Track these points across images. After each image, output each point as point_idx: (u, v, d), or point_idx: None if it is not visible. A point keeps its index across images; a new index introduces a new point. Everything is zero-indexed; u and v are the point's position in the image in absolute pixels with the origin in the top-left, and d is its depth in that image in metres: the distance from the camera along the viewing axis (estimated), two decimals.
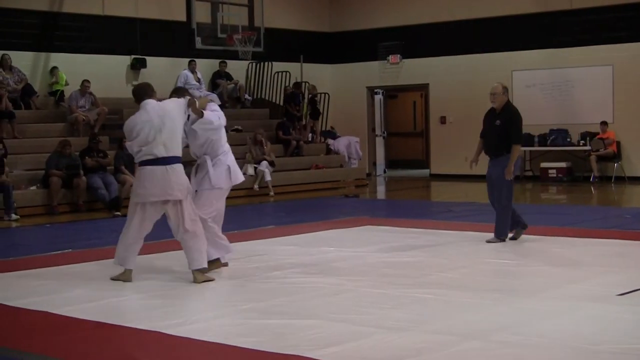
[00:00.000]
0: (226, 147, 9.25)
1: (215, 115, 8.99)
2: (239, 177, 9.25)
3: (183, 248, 8.75)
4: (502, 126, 10.77)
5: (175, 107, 8.71)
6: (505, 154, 10.76)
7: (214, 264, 9.15)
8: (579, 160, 21.79)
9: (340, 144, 23.70)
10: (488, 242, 10.90)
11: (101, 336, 6.59)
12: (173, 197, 8.54)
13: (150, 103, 8.66)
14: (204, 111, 8.89)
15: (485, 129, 11.10)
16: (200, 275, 8.67)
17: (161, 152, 8.50)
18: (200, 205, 8.99)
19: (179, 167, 8.62)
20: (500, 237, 10.92)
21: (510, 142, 10.73)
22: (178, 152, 8.65)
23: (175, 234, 8.74)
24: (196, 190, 9.09)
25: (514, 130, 10.79)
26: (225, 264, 9.37)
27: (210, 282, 8.65)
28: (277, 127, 22.18)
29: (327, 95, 24.14)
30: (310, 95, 23.34)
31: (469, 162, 11.22)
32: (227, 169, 9.12)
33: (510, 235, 11.03)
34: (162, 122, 8.51)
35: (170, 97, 9.07)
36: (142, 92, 8.79)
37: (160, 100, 8.88)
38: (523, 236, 11.15)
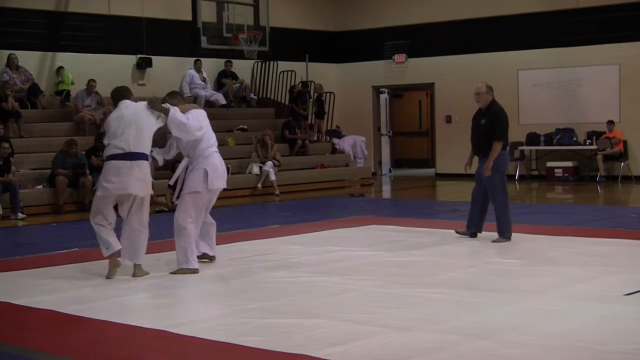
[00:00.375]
0: (209, 151, 9.24)
1: (185, 116, 8.97)
2: (215, 184, 9.22)
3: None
4: (486, 125, 10.90)
5: (145, 108, 8.90)
6: (487, 153, 10.86)
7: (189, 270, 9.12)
8: (586, 159, 21.76)
9: (345, 143, 23.69)
10: (494, 242, 10.90)
11: (109, 335, 6.60)
12: (134, 191, 8.78)
13: (124, 102, 8.97)
14: (172, 110, 8.91)
15: (472, 129, 11.23)
16: (139, 271, 8.94)
17: (128, 147, 8.71)
18: (178, 210, 9.17)
19: (144, 164, 8.82)
20: (504, 235, 10.95)
21: (492, 139, 10.81)
22: (145, 149, 8.86)
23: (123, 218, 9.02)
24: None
25: (497, 128, 10.86)
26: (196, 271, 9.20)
27: (221, 281, 8.70)
28: (283, 126, 22.19)
29: (332, 94, 24.15)
30: (316, 95, 23.34)
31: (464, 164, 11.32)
32: (203, 173, 9.13)
33: (461, 230, 11.32)
34: (132, 119, 8.76)
35: (164, 100, 9.16)
36: (120, 94, 9.08)
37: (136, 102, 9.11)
38: (530, 236, 11.20)
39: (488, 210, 11.25)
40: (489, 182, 10.94)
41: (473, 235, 11.29)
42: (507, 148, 11.12)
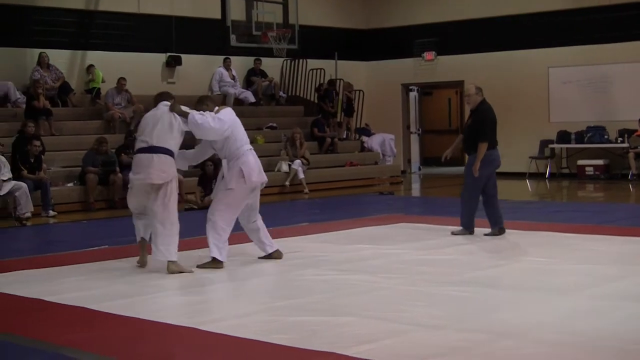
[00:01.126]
0: (242, 150, 9.35)
1: (204, 117, 9.15)
2: (253, 178, 9.32)
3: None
4: (473, 125, 11.24)
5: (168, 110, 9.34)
6: (474, 152, 11.17)
7: (214, 262, 9.23)
8: (617, 157, 21.61)
9: (374, 141, 23.66)
10: (454, 234, 11.40)
11: (140, 332, 6.63)
12: (152, 180, 9.00)
13: (161, 103, 9.45)
14: (190, 113, 9.17)
15: (464, 127, 11.71)
16: (173, 266, 9.02)
17: (151, 141, 9.10)
18: (211, 204, 9.47)
19: (164, 157, 9.08)
20: (467, 228, 11.39)
21: (478, 140, 11.12)
22: (168, 145, 9.13)
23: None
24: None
25: (482, 129, 11.14)
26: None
27: (251, 279, 8.73)
28: (312, 124, 22.20)
29: (361, 92, 24.13)
30: (345, 93, 23.34)
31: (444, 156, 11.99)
32: (239, 171, 9.24)
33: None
34: (158, 118, 9.25)
35: (195, 108, 9.42)
36: (159, 97, 9.68)
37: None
38: (560, 234, 11.20)
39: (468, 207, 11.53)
40: (468, 177, 11.30)
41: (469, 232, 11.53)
42: (497, 147, 11.38)
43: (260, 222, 9.70)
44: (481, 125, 11.15)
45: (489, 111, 11.33)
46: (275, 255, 9.77)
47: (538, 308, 7.09)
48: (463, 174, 11.67)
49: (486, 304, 7.31)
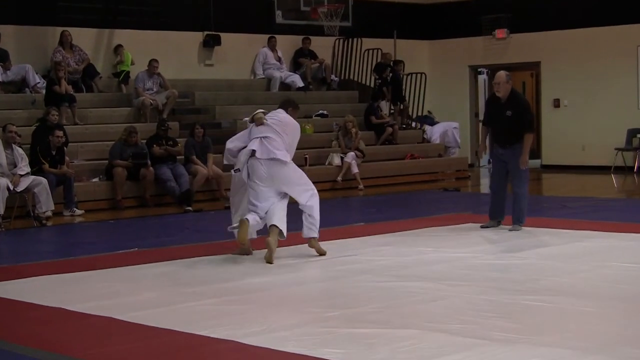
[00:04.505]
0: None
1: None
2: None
3: None
4: (513, 116, 11.91)
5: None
6: (520, 142, 11.89)
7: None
8: None
9: (434, 131, 23.58)
10: (510, 230, 11.94)
11: (173, 345, 6.66)
12: None
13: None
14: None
15: (491, 118, 12.30)
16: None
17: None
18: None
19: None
20: (521, 223, 12.05)
21: (523, 131, 11.87)
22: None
23: None
24: None
25: (527, 119, 12.02)
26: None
27: (298, 285, 8.79)
28: (366, 111, 21.99)
29: (423, 75, 24.01)
30: (389, 71, 22.91)
31: (480, 152, 13.04)
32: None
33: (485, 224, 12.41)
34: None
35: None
36: (281, 103, 11.00)
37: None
38: None
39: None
40: (516, 171, 12.00)
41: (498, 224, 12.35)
42: None
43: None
44: (524, 116, 11.96)
45: (526, 100, 12.23)
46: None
47: (626, 321, 7.03)
48: (492, 167, 12.66)
49: (567, 315, 7.26)
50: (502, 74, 12.06)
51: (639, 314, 7.21)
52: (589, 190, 16.61)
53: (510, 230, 11.97)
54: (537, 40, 24.05)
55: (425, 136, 23.39)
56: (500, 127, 12.11)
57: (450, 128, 23.75)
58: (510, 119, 11.86)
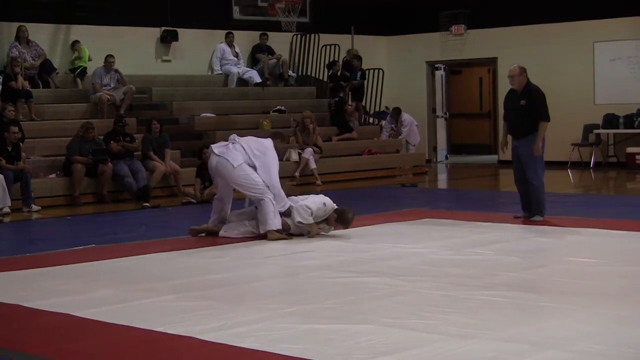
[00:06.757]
0: None
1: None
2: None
3: None
4: (527, 106, 12.21)
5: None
6: (533, 133, 12.16)
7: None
8: None
9: (404, 118, 23.52)
10: (531, 219, 12.30)
11: (129, 341, 6.65)
12: None
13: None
14: None
15: (508, 110, 12.70)
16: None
17: None
18: None
19: None
20: (542, 214, 12.32)
21: (538, 120, 12.16)
22: None
23: None
24: None
25: (541, 108, 12.27)
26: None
27: (257, 281, 8.80)
28: (337, 103, 21.94)
29: (381, 70, 24.06)
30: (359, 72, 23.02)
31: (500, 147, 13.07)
32: None
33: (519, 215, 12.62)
34: None
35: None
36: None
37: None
38: (607, 231, 11.22)
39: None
40: (530, 161, 12.24)
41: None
42: None
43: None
44: (538, 106, 12.22)
45: (541, 90, 12.39)
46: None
47: (582, 315, 7.07)
48: (513, 161, 12.63)
49: (523, 310, 7.29)
50: (516, 67, 12.30)
51: (596, 309, 7.25)
52: (546, 185, 16.62)
53: (530, 219, 12.32)
54: (494, 36, 24.17)
55: (393, 126, 23.41)
56: (515, 118, 12.41)
57: (413, 124, 23.79)
58: (524, 108, 12.18)
